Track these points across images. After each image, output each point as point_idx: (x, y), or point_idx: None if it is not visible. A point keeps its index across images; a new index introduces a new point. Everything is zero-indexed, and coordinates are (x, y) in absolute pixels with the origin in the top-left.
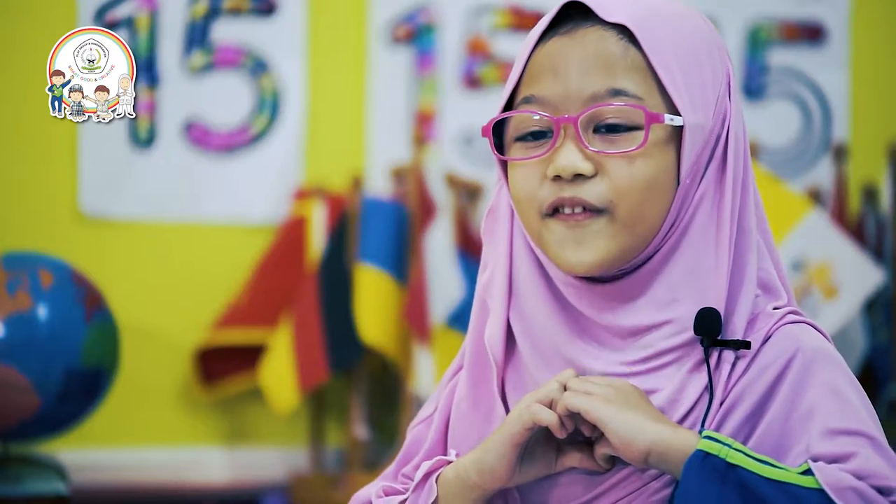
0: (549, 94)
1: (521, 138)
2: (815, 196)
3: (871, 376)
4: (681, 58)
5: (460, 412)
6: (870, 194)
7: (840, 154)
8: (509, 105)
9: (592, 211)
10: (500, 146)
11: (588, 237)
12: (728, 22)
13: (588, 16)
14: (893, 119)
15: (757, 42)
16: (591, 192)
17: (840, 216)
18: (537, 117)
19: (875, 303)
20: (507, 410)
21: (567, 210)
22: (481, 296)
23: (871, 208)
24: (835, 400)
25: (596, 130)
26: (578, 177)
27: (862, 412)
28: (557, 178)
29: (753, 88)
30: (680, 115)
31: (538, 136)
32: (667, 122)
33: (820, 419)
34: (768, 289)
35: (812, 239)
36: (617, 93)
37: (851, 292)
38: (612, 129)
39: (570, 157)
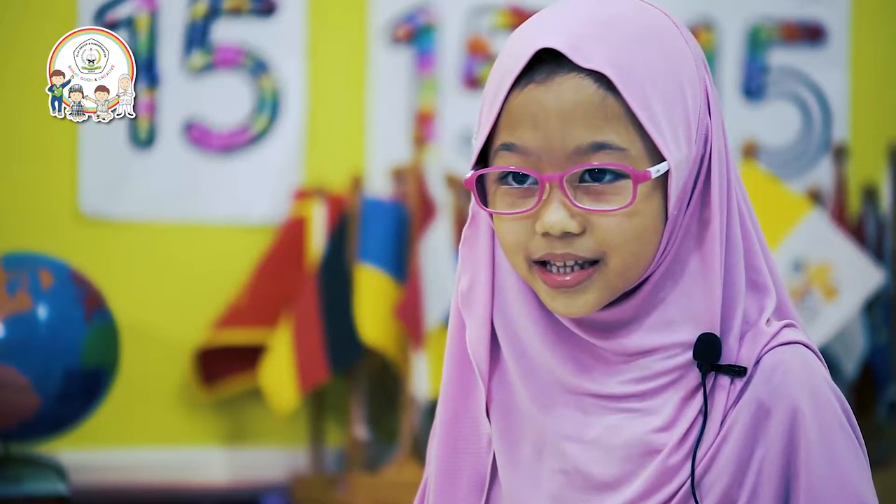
0: (529, 145)
1: (504, 181)
2: (815, 196)
3: (871, 377)
4: (662, 96)
5: (443, 437)
6: (870, 194)
7: (840, 154)
8: (486, 145)
9: (585, 263)
10: (480, 184)
11: (579, 293)
12: (728, 22)
13: (561, 59)
14: (893, 119)
15: (757, 42)
16: (582, 248)
17: (840, 216)
18: (521, 172)
19: (875, 303)
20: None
21: (559, 262)
22: (458, 307)
23: (871, 208)
24: (832, 472)
25: (581, 181)
26: (568, 234)
27: (860, 483)
28: (546, 233)
29: (753, 88)
30: (664, 160)
31: (520, 179)
32: (654, 176)
33: (820, 494)
34: (758, 287)
35: (812, 239)
36: (600, 146)
37: (851, 292)
38: (598, 178)
39: (557, 215)
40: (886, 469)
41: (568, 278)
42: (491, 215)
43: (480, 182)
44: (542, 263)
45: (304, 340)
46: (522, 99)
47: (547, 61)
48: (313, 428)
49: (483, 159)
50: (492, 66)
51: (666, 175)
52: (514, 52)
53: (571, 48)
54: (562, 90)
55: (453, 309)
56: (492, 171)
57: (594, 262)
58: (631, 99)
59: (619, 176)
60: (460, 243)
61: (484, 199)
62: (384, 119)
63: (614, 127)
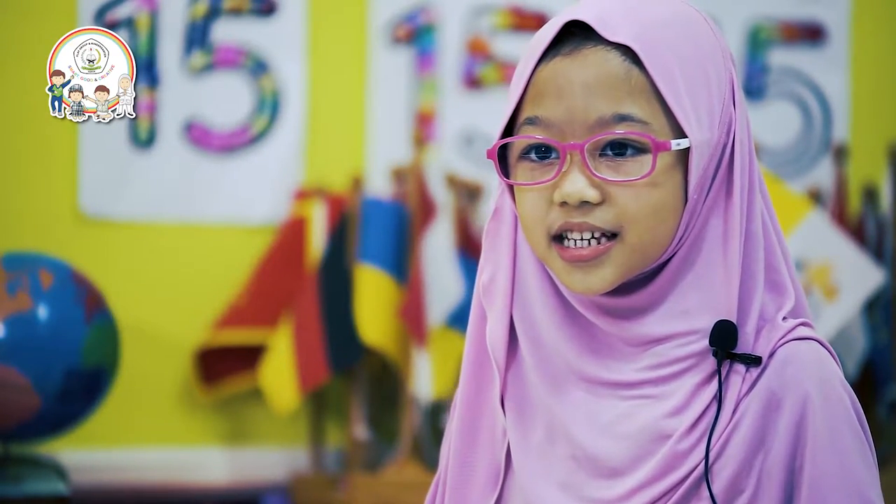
0: (553, 117)
1: (526, 156)
2: (816, 196)
3: (871, 376)
4: (686, 74)
5: (461, 430)
6: (870, 194)
7: (840, 154)
8: (511, 120)
9: (602, 236)
10: (503, 160)
11: (595, 267)
12: (728, 22)
13: (589, 34)
14: (893, 119)
15: (757, 42)
16: (600, 218)
17: (840, 216)
18: (543, 143)
19: (875, 303)
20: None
21: (575, 235)
22: (479, 298)
23: (871, 208)
24: (836, 467)
25: (602, 153)
26: (585, 203)
27: (865, 481)
28: (564, 203)
29: (753, 88)
30: (686, 137)
31: (542, 154)
32: (674, 147)
33: (823, 487)
34: (777, 288)
35: (812, 239)
36: (622, 118)
37: (851, 292)
38: (619, 152)
39: (576, 184)
40: (886, 469)
41: (584, 252)
42: (513, 196)
43: (504, 159)
44: (561, 240)
45: (304, 340)
46: (549, 71)
47: (576, 35)
48: (313, 428)
49: (509, 135)
50: (492, 66)
51: (687, 155)
52: (545, 28)
53: (599, 22)
54: (587, 62)
55: (474, 301)
56: (515, 144)
57: (611, 238)
58: (655, 73)
59: (640, 151)
60: (483, 236)
61: (506, 174)
62: (384, 119)
63: (637, 100)
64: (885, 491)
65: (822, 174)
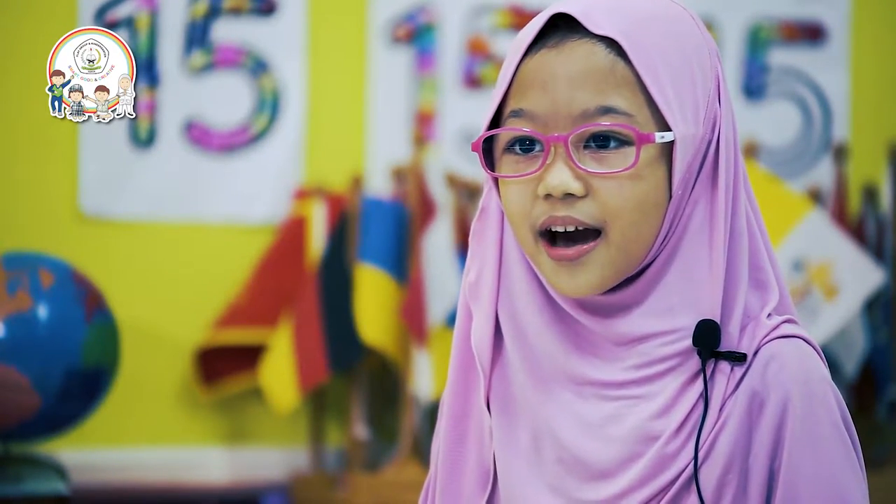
0: (537, 109)
1: (511, 149)
2: (816, 196)
3: (871, 376)
4: (671, 68)
5: (449, 429)
6: (870, 194)
7: (840, 154)
8: (497, 114)
9: (586, 231)
10: (489, 154)
11: (581, 268)
12: (728, 22)
13: (575, 27)
14: (893, 119)
15: (757, 42)
16: (583, 212)
17: (840, 216)
18: (527, 135)
19: (875, 303)
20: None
21: (560, 229)
22: (465, 298)
23: (871, 208)
24: (815, 468)
25: (586, 146)
26: (570, 196)
27: (847, 485)
28: (549, 196)
29: (753, 88)
30: (671, 130)
31: (527, 147)
32: (658, 140)
33: (803, 493)
34: (761, 285)
35: (812, 239)
36: (607, 110)
37: (851, 292)
38: (602, 145)
39: (560, 176)
40: (886, 469)
41: (569, 252)
42: (498, 190)
43: (489, 151)
44: (547, 236)
45: (304, 340)
46: (534, 63)
47: (561, 28)
48: (313, 428)
49: (495, 129)
50: (492, 65)
51: (671, 149)
52: (531, 22)
53: (584, 15)
54: (572, 54)
55: (461, 301)
56: (500, 138)
57: (596, 235)
58: (640, 65)
59: (623, 143)
60: (470, 236)
61: (491, 168)
62: (384, 119)
63: (622, 92)
64: (886, 491)
65: (822, 174)
